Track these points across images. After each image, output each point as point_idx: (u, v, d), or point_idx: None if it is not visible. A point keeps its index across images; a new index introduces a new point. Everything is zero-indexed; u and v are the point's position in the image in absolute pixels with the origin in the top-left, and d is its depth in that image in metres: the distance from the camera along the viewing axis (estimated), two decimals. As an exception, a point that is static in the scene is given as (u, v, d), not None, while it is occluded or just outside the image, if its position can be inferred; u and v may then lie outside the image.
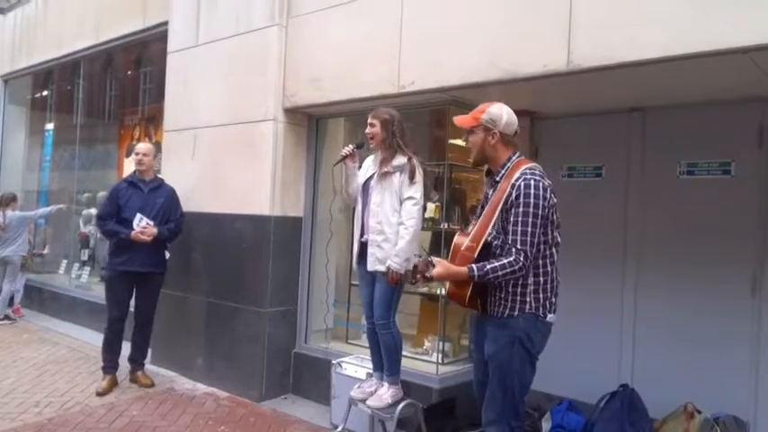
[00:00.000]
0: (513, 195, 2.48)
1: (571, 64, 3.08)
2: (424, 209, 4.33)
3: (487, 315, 2.65)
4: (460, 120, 2.70)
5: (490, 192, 2.67)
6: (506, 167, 2.61)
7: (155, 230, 4.50)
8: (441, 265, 2.56)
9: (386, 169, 3.34)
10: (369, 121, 3.43)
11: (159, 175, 4.95)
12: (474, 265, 2.48)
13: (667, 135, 3.82)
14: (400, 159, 3.33)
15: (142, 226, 4.48)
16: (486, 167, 2.74)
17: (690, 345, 3.67)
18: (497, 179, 2.62)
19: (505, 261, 2.44)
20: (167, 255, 4.83)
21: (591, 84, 3.33)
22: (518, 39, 3.31)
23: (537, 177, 2.51)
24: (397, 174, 3.31)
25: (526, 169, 2.55)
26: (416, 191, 3.30)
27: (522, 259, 2.43)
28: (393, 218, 3.31)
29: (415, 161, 3.32)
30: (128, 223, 4.49)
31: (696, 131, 3.71)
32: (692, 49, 2.68)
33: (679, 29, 2.73)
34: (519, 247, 2.44)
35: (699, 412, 3.38)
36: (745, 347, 3.52)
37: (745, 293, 3.53)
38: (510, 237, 2.47)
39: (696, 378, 3.61)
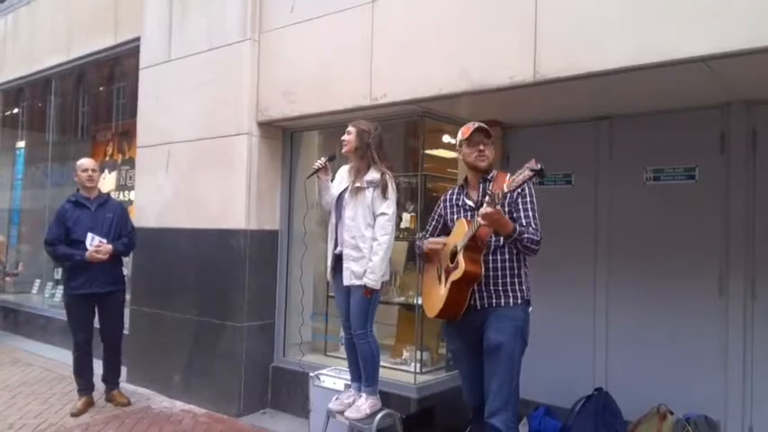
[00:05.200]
0: (519, 190, 2.66)
1: (537, 75, 3.15)
2: (400, 219, 4.40)
3: (485, 309, 2.76)
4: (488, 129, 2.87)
5: (474, 195, 2.89)
6: (492, 174, 2.88)
7: (109, 247, 4.37)
8: (495, 209, 2.49)
9: (358, 184, 3.37)
10: (347, 129, 3.45)
11: (106, 191, 4.81)
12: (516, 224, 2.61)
13: (634, 142, 3.92)
14: (373, 174, 3.36)
15: (95, 245, 4.34)
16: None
17: (661, 347, 3.75)
18: (489, 178, 2.85)
19: (531, 230, 2.64)
20: (125, 271, 4.74)
21: (558, 94, 3.40)
22: (486, 51, 3.38)
23: None
24: (370, 189, 3.34)
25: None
26: (389, 206, 3.33)
27: (540, 236, 2.65)
28: (367, 232, 3.34)
29: (387, 177, 3.35)
30: (79, 244, 4.34)
31: (661, 138, 3.82)
32: (651, 59, 2.77)
33: (639, 40, 2.81)
34: (534, 227, 2.68)
35: (671, 413, 3.45)
36: (713, 348, 3.60)
37: (713, 295, 3.62)
38: (524, 221, 2.69)
39: (668, 379, 3.69)
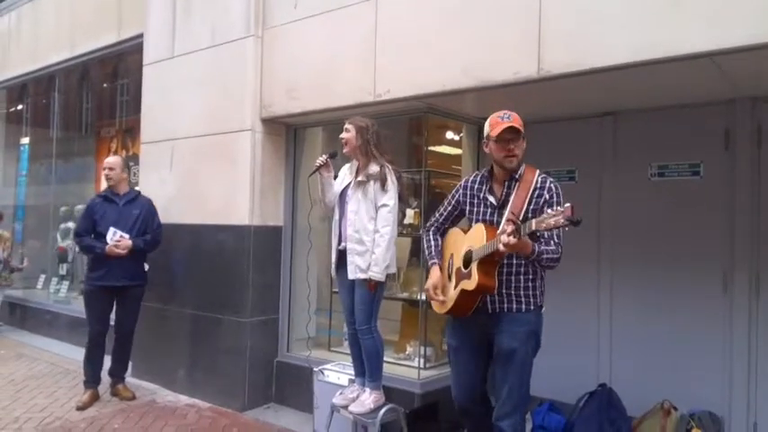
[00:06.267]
0: (547, 195, 2.64)
1: (541, 71, 3.15)
2: (404, 215, 4.40)
3: (496, 313, 2.69)
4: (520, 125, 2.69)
5: (498, 190, 2.74)
6: (520, 172, 2.72)
7: (129, 243, 4.45)
8: (519, 240, 2.39)
9: (360, 178, 3.41)
10: (345, 126, 3.48)
11: (136, 188, 4.92)
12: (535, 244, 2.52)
13: (638, 138, 3.91)
14: (373, 168, 3.39)
15: (116, 239, 4.43)
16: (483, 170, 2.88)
17: (665, 343, 3.75)
18: (516, 177, 2.71)
19: (551, 248, 2.57)
20: (146, 267, 4.81)
21: (562, 90, 3.40)
22: (490, 47, 3.38)
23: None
24: (371, 182, 3.36)
25: (543, 174, 2.73)
26: (390, 198, 3.35)
27: (560, 251, 2.59)
28: (370, 225, 3.36)
29: (387, 169, 3.38)
30: (103, 238, 4.45)
31: (666, 134, 3.80)
32: (655, 54, 2.76)
33: (643, 36, 2.81)
34: (557, 240, 2.59)
35: (675, 409, 3.45)
36: (718, 344, 3.60)
37: (717, 291, 3.62)
38: (546, 233, 2.56)
39: (672, 375, 3.69)
